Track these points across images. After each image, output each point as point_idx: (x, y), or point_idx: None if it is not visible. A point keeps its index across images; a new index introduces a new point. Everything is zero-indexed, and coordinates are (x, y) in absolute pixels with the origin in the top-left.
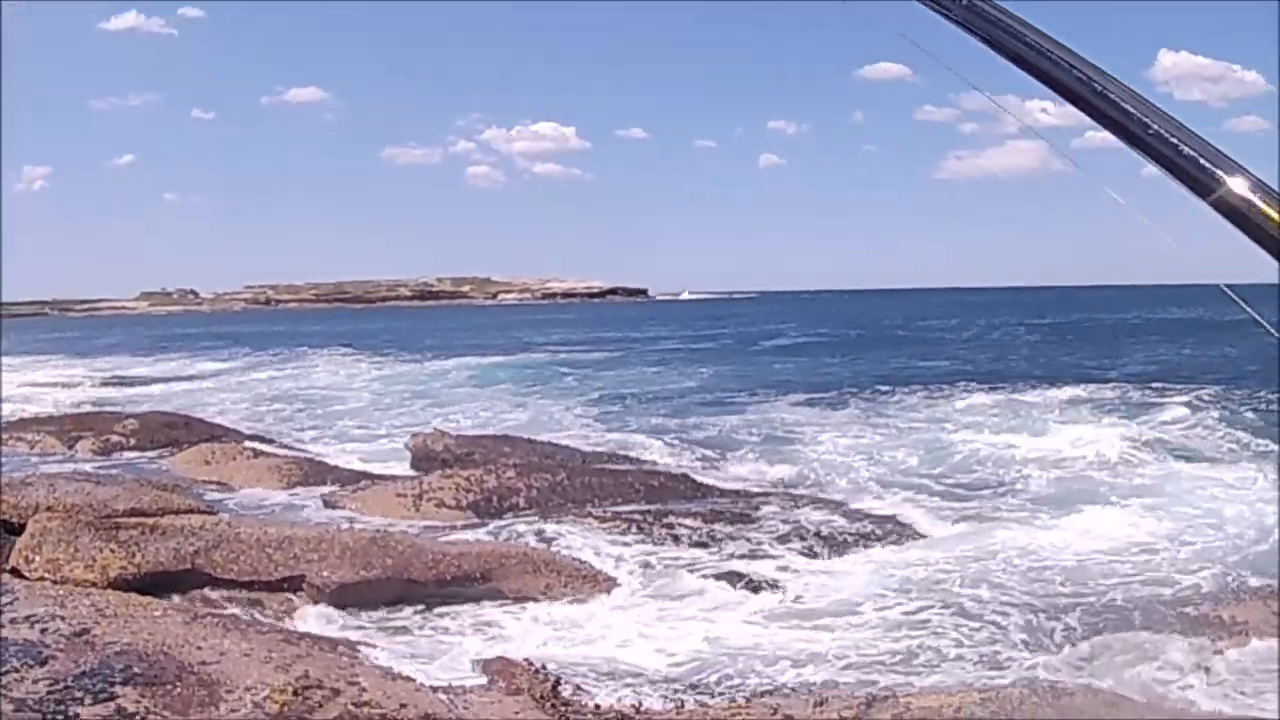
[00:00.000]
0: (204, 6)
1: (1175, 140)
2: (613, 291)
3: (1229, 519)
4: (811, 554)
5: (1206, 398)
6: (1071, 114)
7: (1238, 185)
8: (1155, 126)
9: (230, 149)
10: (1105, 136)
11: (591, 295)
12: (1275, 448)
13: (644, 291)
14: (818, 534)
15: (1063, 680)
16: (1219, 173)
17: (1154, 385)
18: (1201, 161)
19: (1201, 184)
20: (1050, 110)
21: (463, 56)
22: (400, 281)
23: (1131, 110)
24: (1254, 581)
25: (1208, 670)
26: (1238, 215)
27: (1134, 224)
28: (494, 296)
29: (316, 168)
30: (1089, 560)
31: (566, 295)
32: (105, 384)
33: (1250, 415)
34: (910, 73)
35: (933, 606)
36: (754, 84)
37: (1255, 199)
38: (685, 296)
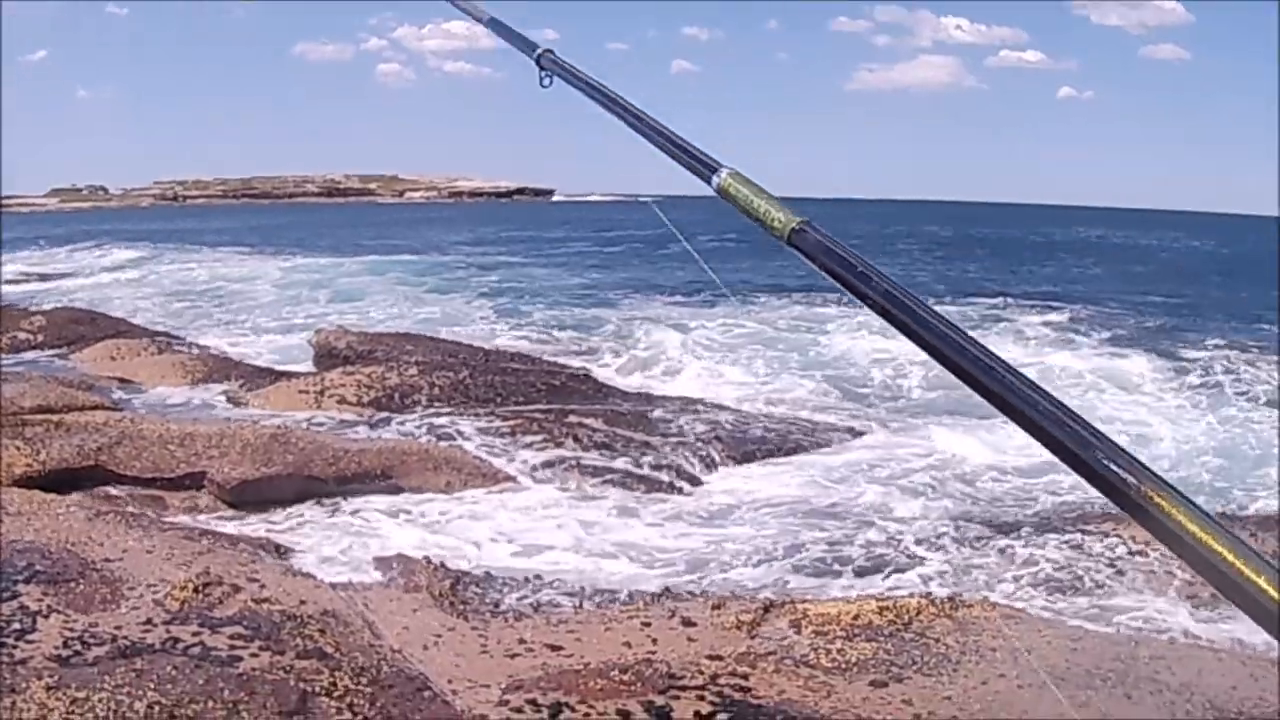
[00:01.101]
0: None
1: (686, 145)
2: (520, 191)
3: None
4: (710, 460)
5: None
6: (985, 33)
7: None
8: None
9: (142, 44)
10: (1021, 56)
11: (499, 195)
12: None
13: (551, 192)
14: (717, 438)
15: (961, 592)
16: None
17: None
18: (703, 159)
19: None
20: (964, 27)
21: None
22: (308, 178)
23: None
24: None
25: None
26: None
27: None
28: (401, 195)
29: (228, 63)
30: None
31: (473, 194)
32: (11, 281)
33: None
34: None
35: (835, 514)
36: None
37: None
38: (594, 198)
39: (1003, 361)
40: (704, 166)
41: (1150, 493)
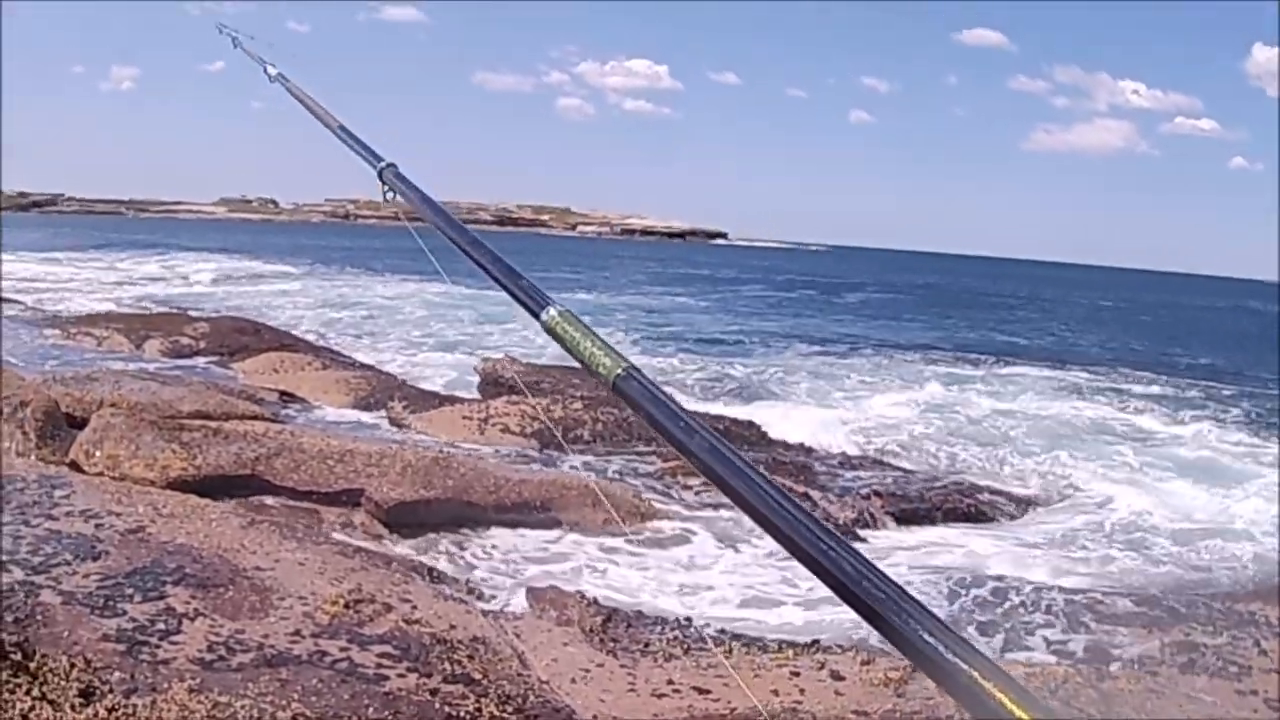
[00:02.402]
0: None
1: (519, 276)
2: (691, 233)
3: None
4: (871, 517)
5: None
6: (1160, 99)
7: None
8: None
9: (322, 62)
10: (1195, 124)
11: (670, 235)
12: None
13: (723, 235)
14: (877, 493)
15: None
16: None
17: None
18: (533, 294)
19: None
20: (1141, 92)
21: None
22: (481, 205)
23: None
24: None
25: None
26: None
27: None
28: (573, 228)
29: (407, 87)
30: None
31: (645, 232)
32: (173, 284)
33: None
34: (1006, 41)
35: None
36: (849, 38)
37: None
38: (764, 244)
39: (821, 524)
40: (534, 301)
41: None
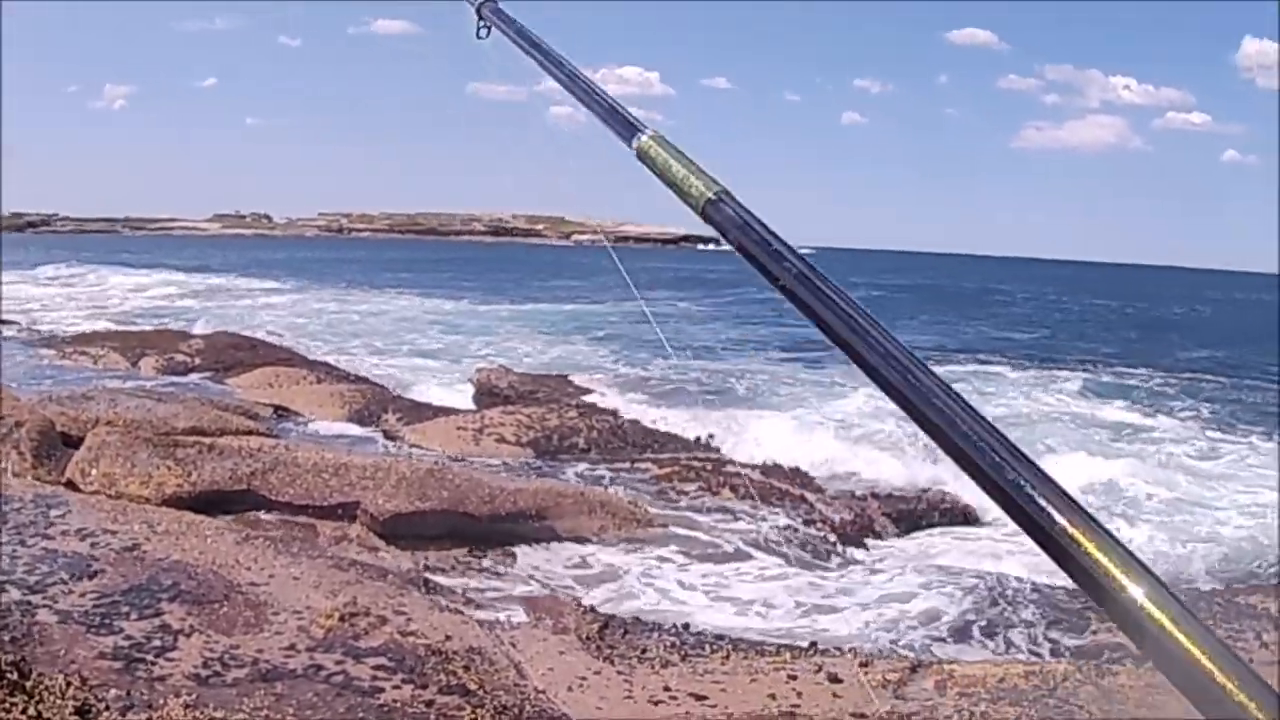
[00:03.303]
0: None
1: (614, 105)
2: (685, 238)
3: None
4: (867, 521)
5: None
6: (1152, 94)
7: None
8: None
9: (314, 76)
10: (1187, 118)
11: (665, 241)
12: None
13: (717, 240)
14: (874, 495)
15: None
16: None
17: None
18: (628, 120)
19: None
20: (1133, 87)
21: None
22: (475, 216)
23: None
24: None
25: None
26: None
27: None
28: (568, 236)
29: (399, 99)
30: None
31: (640, 239)
32: (170, 298)
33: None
34: (996, 39)
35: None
36: (840, 40)
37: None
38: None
39: (925, 366)
40: (626, 128)
41: (1076, 533)
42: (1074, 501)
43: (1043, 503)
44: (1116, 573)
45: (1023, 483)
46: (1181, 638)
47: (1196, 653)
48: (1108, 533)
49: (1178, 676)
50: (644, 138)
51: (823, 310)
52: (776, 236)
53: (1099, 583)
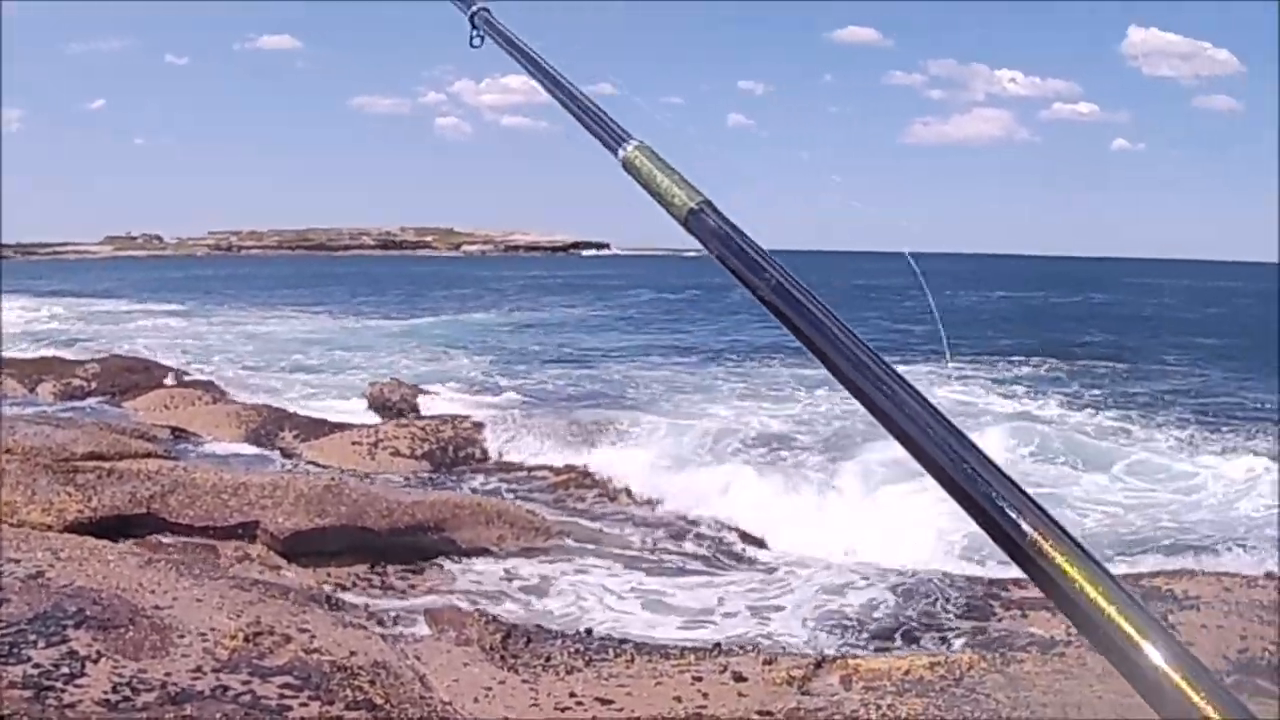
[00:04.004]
0: None
1: (600, 114)
2: (575, 245)
3: None
4: (756, 498)
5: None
6: (1039, 85)
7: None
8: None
9: (202, 95)
10: (1074, 108)
11: (554, 249)
12: None
13: (606, 245)
14: (761, 480)
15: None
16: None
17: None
18: (613, 130)
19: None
20: (1018, 80)
21: (435, 7)
22: (364, 230)
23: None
24: None
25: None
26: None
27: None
28: (457, 248)
29: (286, 115)
30: None
31: (530, 248)
32: (67, 321)
33: None
34: (879, 37)
35: (881, 571)
36: (723, 42)
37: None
38: (653, 252)
39: (901, 379)
40: (612, 138)
41: (1047, 546)
42: (1047, 515)
43: (1014, 515)
44: (1091, 592)
45: (994, 495)
46: (1146, 645)
47: (1158, 659)
48: (1080, 546)
49: (1141, 683)
50: (630, 148)
51: (800, 321)
52: (756, 247)
53: (1074, 601)
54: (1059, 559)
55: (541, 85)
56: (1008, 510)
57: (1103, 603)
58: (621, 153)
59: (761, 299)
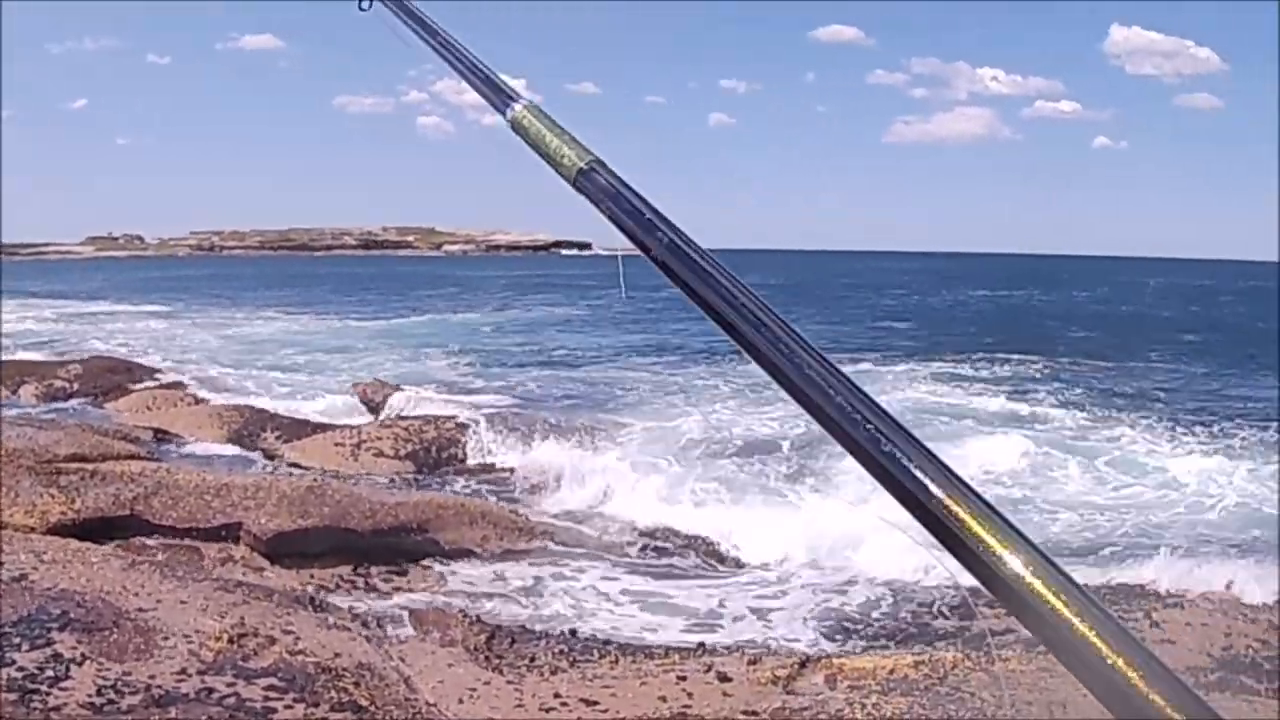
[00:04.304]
0: None
1: (488, 74)
2: (557, 244)
3: None
4: (737, 501)
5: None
6: (1020, 84)
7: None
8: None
9: (184, 94)
10: (1056, 106)
11: (536, 248)
12: None
13: (588, 245)
14: (742, 484)
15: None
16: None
17: None
18: (503, 90)
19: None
20: (1000, 78)
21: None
22: (346, 230)
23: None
24: None
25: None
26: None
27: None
28: (438, 247)
29: (268, 115)
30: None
31: (510, 248)
32: (46, 322)
33: None
34: (862, 35)
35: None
36: (706, 42)
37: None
38: (622, 252)
39: (801, 338)
40: (501, 98)
41: (955, 506)
42: (952, 473)
43: (920, 475)
44: (997, 547)
45: (899, 454)
46: (1066, 613)
47: (1082, 628)
48: (987, 504)
49: (1066, 654)
50: (518, 108)
51: (695, 281)
52: (649, 205)
53: (980, 558)
54: (970, 521)
55: (432, 47)
56: (914, 472)
57: (1020, 570)
58: (510, 113)
59: (654, 259)
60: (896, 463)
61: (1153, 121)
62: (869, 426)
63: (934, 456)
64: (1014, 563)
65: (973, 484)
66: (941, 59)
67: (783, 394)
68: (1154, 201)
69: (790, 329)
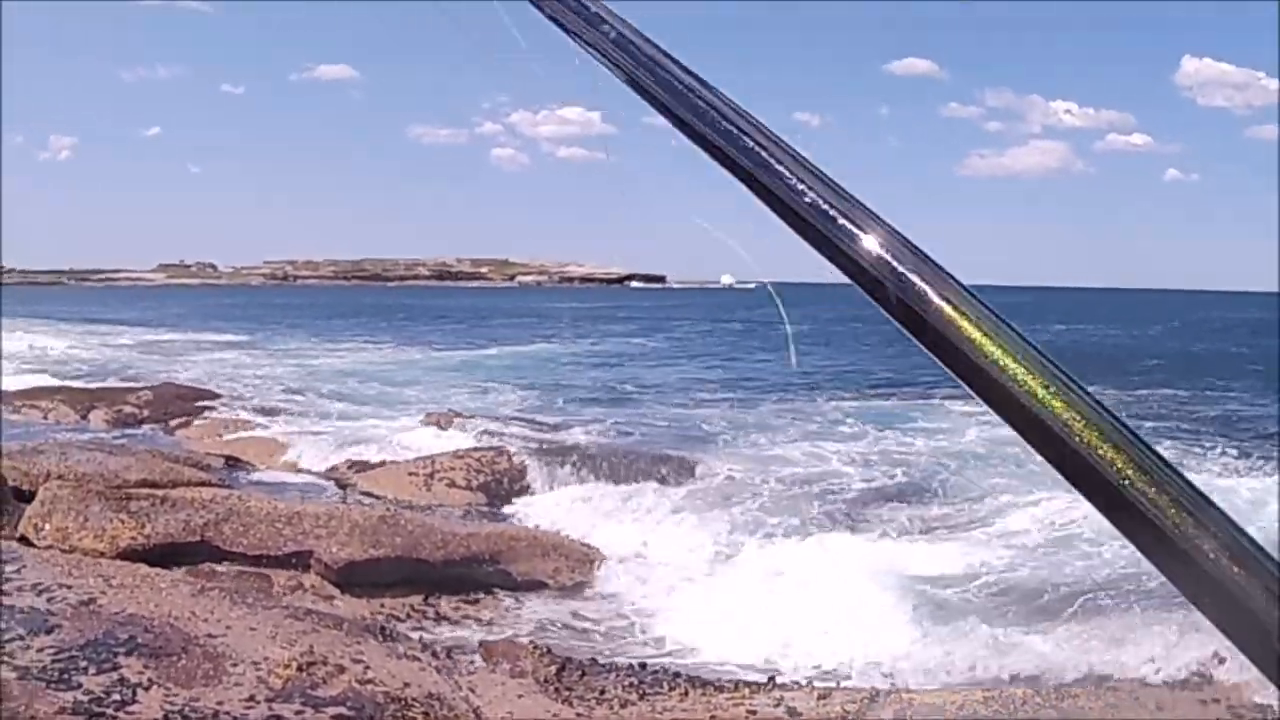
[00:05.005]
0: None
1: None
2: (630, 277)
3: None
4: (806, 533)
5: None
6: (1093, 116)
7: None
8: None
9: (257, 124)
10: (1128, 139)
11: (609, 280)
12: None
13: (662, 278)
14: (819, 516)
15: (1066, 680)
16: None
17: None
18: None
19: None
20: (1074, 111)
21: (491, 37)
22: (419, 261)
23: None
24: None
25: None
26: None
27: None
28: (512, 278)
29: (342, 145)
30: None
31: (585, 280)
32: (124, 350)
33: None
34: (937, 68)
35: (930, 602)
36: (780, 74)
37: None
38: (713, 284)
39: (775, 139)
40: None
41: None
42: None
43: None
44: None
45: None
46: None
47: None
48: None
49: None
50: None
51: (646, 78)
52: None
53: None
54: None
55: None
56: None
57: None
58: None
59: (605, 58)
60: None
61: (1224, 153)
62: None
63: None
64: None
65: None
66: (1015, 91)
67: (869, 429)
68: (1227, 234)
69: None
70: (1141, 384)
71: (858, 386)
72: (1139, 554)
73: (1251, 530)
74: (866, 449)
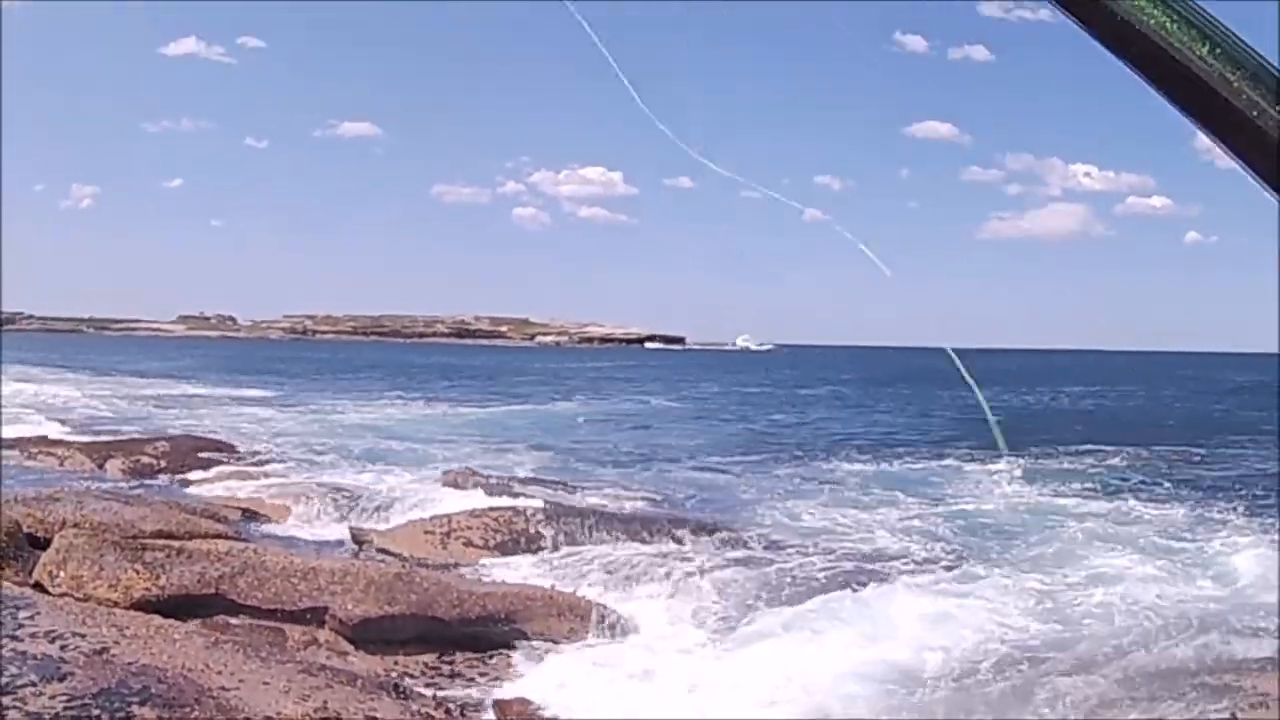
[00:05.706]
0: (265, 38)
1: None
2: (649, 338)
3: None
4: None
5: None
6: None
7: None
8: None
9: (280, 178)
10: (1148, 202)
11: (628, 341)
12: None
13: (681, 340)
14: (848, 576)
15: None
16: None
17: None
18: None
19: None
20: (1093, 174)
21: (516, 100)
22: (438, 318)
23: None
24: None
25: None
26: None
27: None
28: (531, 338)
29: (364, 201)
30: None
31: (604, 340)
32: (141, 402)
33: None
34: (957, 132)
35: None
36: (800, 138)
37: None
38: (729, 347)
39: None
40: None
41: None
42: None
43: None
44: None
45: None
46: None
47: None
48: None
49: None
50: None
51: None
52: None
53: None
54: None
55: None
56: None
57: None
58: None
59: None
60: None
61: (1243, 216)
62: None
63: None
64: None
65: None
66: (1035, 155)
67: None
68: (1246, 296)
69: None
70: (1161, 449)
71: (874, 448)
72: None
73: None
74: (887, 515)
